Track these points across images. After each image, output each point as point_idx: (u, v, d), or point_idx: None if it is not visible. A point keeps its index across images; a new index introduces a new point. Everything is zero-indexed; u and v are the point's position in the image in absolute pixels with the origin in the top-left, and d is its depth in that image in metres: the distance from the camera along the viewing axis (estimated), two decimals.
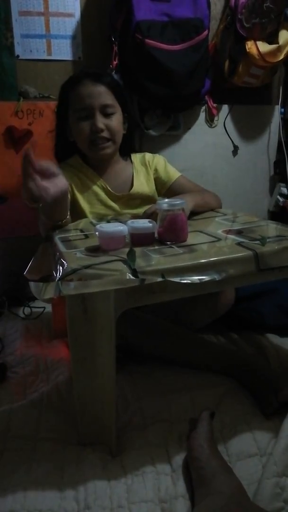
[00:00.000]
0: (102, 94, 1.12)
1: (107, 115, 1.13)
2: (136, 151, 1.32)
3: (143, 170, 1.26)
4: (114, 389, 0.81)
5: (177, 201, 0.85)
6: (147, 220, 0.86)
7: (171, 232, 0.83)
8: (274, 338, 1.25)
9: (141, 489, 0.78)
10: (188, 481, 0.80)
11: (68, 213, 1.02)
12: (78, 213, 1.16)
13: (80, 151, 1.22)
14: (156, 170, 1.27)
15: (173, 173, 1.27)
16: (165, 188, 1.27)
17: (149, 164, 1.27)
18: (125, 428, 0.92)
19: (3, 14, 1.42)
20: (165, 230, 0.83)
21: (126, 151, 1.27)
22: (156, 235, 0.85)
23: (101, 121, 1.11)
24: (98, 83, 1.13)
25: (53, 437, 0.90)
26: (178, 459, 0.84)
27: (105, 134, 1.13)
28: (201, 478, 0.76)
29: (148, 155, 1.29)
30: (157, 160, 1.29)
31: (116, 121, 1.15)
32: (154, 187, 1.27)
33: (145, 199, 1.23)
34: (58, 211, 0.97)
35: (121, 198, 1.21)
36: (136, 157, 1.28)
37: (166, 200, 0.87)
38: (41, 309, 1.50)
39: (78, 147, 1.20)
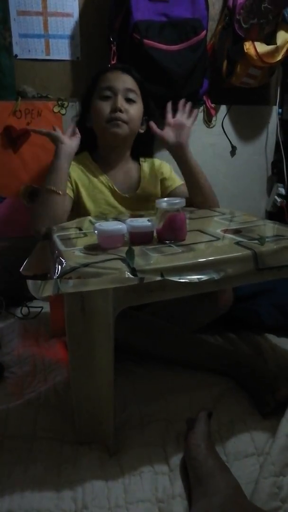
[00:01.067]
0: (128, 81, 1.19)
1: (128, 100, 1.18)
2: (152, 156, 1.35)
3: (151, 173, 1.29)
4: (112, 388, 0.81)
5: (176, 200, 0.85)
6: (146, 218, 0.86)
7: (170, 231, 0.83)
8: (271, 338, 1.25)
9: (138, 489, 0.78)
10: (186, 480, 0.80)
11: (66, 189, 1.12)
12: (83, 213, 1.17)
13: (90, 147, 1.25)
14: (162, 173, 1.31)
15: (177, 180, 1.31)
16: (166, 193, 1.29)
17: (156, 168, 1.31)
18: (122, 427, 0.92)
19: (1, 14, 1.41)
20: (164, 229, 0.83)
21: (138, 152, 1.30)
22: (155, 234, 0.85)
23: (121, 102, 1.16)
24: (126, 73, 1.20)
25: (50, 436, 0.90)
26: (176, 458, 0.84)
27: (123, 116, 1.16)
28: (198, 478, 0.76)
29: (156, 160, 1.33)
30: (164, 165, 1.33)
31: (136, 110, 1.20)
32: (159, 190, 1.29)
33: (149, 199, 1.25)
34: (62, 178, 1.10)
35: (127, 200, 1.23)
36: (144, 161, 1.32)
37: (165, 199, 0.88)
38: (39, 309, 1.50)
39: (94, 137, 1.23)
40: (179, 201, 0.84)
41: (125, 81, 1.18)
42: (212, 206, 1.21)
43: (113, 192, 1.21)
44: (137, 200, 1.24)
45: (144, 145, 1.29)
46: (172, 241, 0.83)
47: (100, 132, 1.21)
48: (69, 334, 0.77)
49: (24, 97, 1.50)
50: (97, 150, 1.26)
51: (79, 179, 1.19)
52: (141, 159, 1.32)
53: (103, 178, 1.21)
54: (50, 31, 1.54)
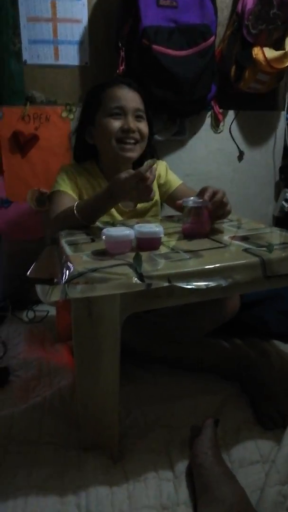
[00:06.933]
0: (136, 99, 1.16)
1: (138, 118, 1.16)
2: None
3: None
4: (117, 393, 0.81)
5: (200, 199, 0.91)
6: (154, 224, 0.86)
7: (199, 224, 0.91)
8: (278, 345, 1.25)
9: (142, 495, 0.78)
10: (191, 488, 0.79)
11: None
12: None
13: (96, 157, 1.23)
14: (159, 176, 1.29)
15: (175, 181, 1.30)
16: (167, 194, 1.28)
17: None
18: (127, 433, 0.92)
19: (11, 20, 1.43)
20: (192, 223, 0.91)
21: (139, 163, 1.27)
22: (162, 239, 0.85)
23: (133, 122, 1.14)
24: (132, 89, 1.17)
25: (55, 442, 0.90)
26: (180, 465, 0.84)
27: (135, 135, 1.15)
28: (204, 485, 0.76)
29: None
30: (160, 167, 1.30)
31: (145, 126, 1.18)
32: (158, 195, 1.28)
33: (149, 208, 1.25)
34: (96, 216, 1.02)
35: (127, 213, 1.22)
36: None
37: (191, 198, 0.92)
38: (45, 313, 1.50)
39: (96, 151, 1.21)
40: (202, 200, 0.91)
41: (133, 100, 1.15)
42: None
43: (115, 206, 1.20)
44: (136, 213, 1.23)
45: (142, 156, 1.24)
46: (198, 235, 0.91)
47: (108, 151, 1.17)
48: (76, 339, 0.77)
49: (33, 102, 1.51)
50: (100, 162, 1.23)
51: (84, 187, 1.19)
52: None
53: None
54: (59, 37, 1.55)
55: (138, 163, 1.25)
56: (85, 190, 1.19)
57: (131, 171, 0.90)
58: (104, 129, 1.14)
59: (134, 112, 1.14)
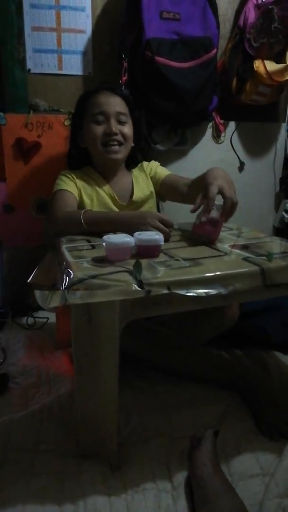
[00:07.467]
0: (118, 104, 1.22)
1: (120, 122, 1.21)
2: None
3: (142, 175, 1.33)
4: (116, 401, 0.80)
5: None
6: (154, 232, 0.87)
7: (212, 229, 0.94)
8: (278, 356, 1.24)
9: (141, 506, 0.77)
10: (190, 499, 0.78)
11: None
12: None
13: (92, 162, 1.28)
14: (150, 169, 1.35)
15: (164, 171, 1.35)
16: (158, 184, 1.33)
17: (145, 167, 1.35)
18: (125, 442, 0.91)
19: (16, 29, 1.45)
20: (208, 227, 0.94)
21: (131, 163, 1.34)
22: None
23: (115, 126, 1.19)
24: (115, 94, 1.23)
25: (53, 449, 0.89)
26: (179, 476, 0.83)
27: (118, 137, 1.20)
28: (203, 497, 0.75)
29: (145, 162, 1.38)
30: (152, 163, 1.38)
31: (129, 128, 1.23)
32: (152, 187, 1.33)
33: (145, 200, 1.29)
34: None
35: (125, 208, 1.26)
36: (134, 168, 1.36)
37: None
38: (45, 320, 1.50)
39: (89, 155, 1.27)
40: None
41: (115, 104, 1.21)
42: None
43: (113, 201, 1.25)
44: (134, 207, 1.27)
45: (133, 156, 1.33)
46: (206, 238, 0.94)
47: (96, 154, 1.24)
48: (75, 345, 0.77)
49: (36, 110, 1.53)
50: (94, 164, 1.29)
51: (83, 188, 1.23)
52: (132, 168, 1.35)
53: (106, 187, 1.25)
54: (63, 47, 1.57)
55: (128, 162, 1.33)
56: (84, 190, 1.23)
57: (163, 218, 0.95)
58: (90, 134, 1.21)
59: (116, 116, 1.20)
